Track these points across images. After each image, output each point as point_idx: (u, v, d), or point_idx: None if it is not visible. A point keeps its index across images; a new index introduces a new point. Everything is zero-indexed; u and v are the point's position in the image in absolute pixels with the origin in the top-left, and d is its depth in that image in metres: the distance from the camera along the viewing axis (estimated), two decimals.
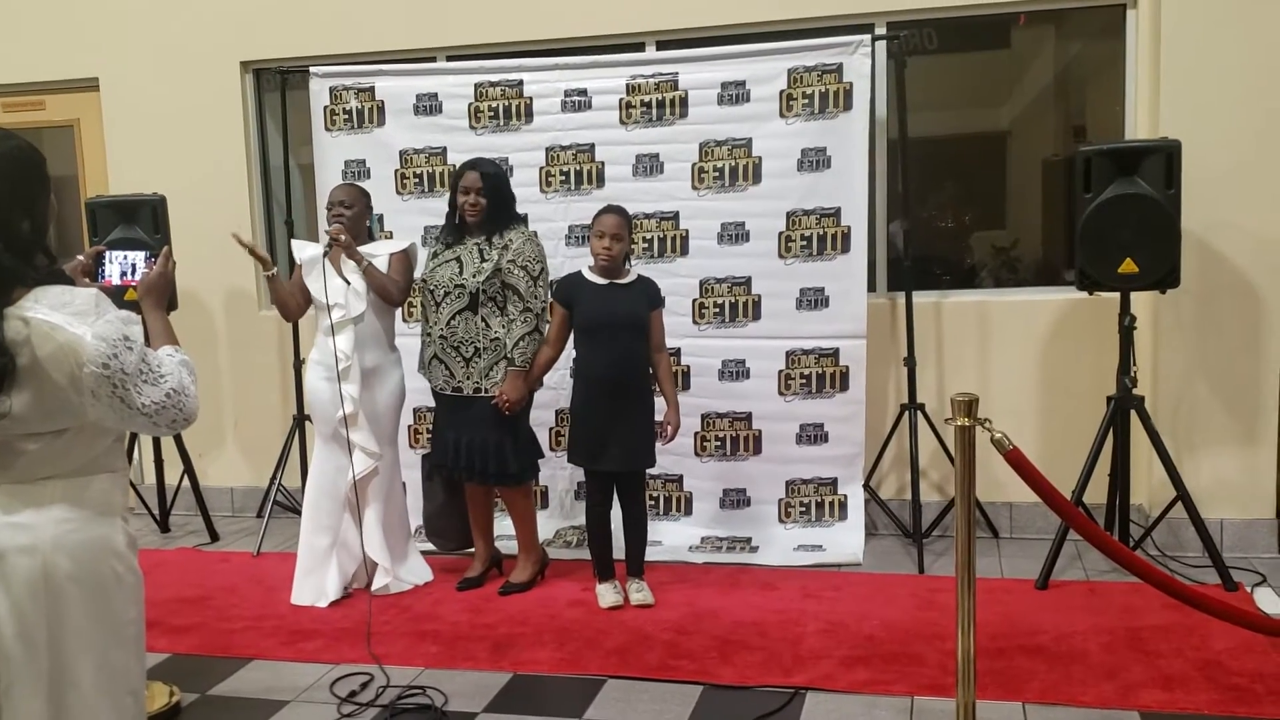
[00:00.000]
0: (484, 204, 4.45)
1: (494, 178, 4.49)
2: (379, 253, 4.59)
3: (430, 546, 4.93)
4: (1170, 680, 3.56)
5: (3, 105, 6.19)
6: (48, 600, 2.05)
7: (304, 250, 4.66)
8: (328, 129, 5.48)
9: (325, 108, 5.47)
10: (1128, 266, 4.36)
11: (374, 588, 4.62)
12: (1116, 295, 4.52)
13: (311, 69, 5.48)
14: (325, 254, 4.51)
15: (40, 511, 2.06)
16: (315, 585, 4.58)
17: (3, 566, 2.03)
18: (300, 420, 5.61)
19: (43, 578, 2.04)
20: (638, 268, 4.66)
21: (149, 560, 5.17)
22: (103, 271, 2.42)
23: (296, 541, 4.71)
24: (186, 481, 5.71)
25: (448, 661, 3.96)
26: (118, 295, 2.19)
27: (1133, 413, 4.52)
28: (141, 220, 5.35)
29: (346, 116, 5.45)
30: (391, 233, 5.34)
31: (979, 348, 5.23)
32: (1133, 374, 4.49)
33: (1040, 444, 5.08)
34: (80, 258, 2.44)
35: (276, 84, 5.67)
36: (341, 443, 4.53)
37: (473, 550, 4.82)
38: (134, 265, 2.40)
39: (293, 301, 4.68)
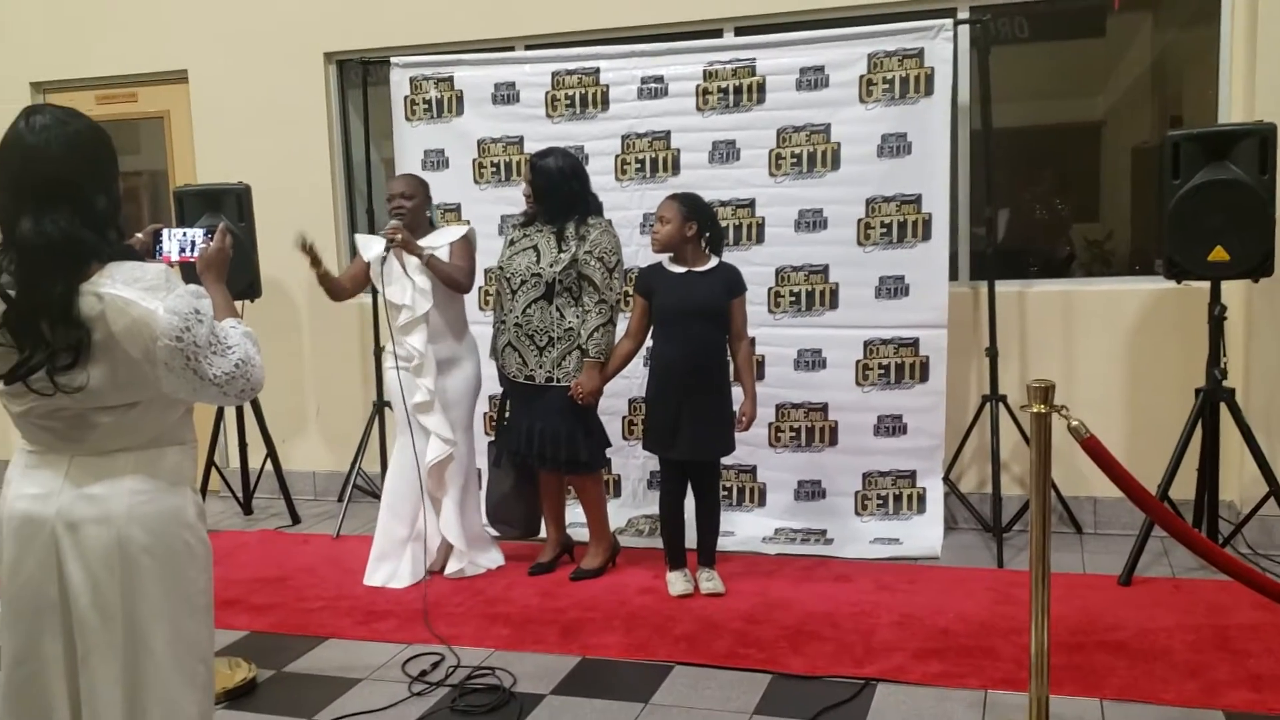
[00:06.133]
0: (532, 197, 4.51)
1: (544, 172, 4.47)
2: (439, 243, 4.60)
3: (494, 532, 4.96)
4: (1259, 680, 3.43)
5: (97, 97, 6.37)
6: (122, 571, 2.09)
7: (369, 247, 4.67)
8: (408, 119, 5.55)
9: (405, 98, 5.53)
10: (1218, 254, 4.21)
11: (448, 571, 4.69)
12: (1206, 284, 4.37)
13: (392, 59, 5.54)
14: (384, 257, 4.51)
15: (113, 483, 2.10)
16: (389, 569, 4.66)
17: (78, 537, 2.08)
18: (380, 407, 5.69)
19: (117, 548, 2.09)
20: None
21: (232, 541, 5.32)
22: (160, 249, 2.46)
23: (375, 525, 4.78)
24: (270, 466, 5.83)
25: (517, 644, 3.98)
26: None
27: (1223, 406, 4.37)
28: (227, 209, 5.47)
29: (426, 106, 5.51)
30: (469, 220, 5.38)
31: (1063, 338, 5.10)
32: (1223, 365, 4.34)
33: (1127, 438, 4.93)
34: (139, 236, 2.48)
35: (359, 79, 5.75)
36: (419, 430, 4.59)
37: (537, 537, 4.84)
38: (193, 242, 2.43)
39: (339, 287, 4.69)
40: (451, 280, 4.53)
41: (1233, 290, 4.58)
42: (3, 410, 2.15)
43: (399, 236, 4.47)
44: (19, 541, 2.12)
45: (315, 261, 4.47)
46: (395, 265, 4.56)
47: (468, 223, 5.37)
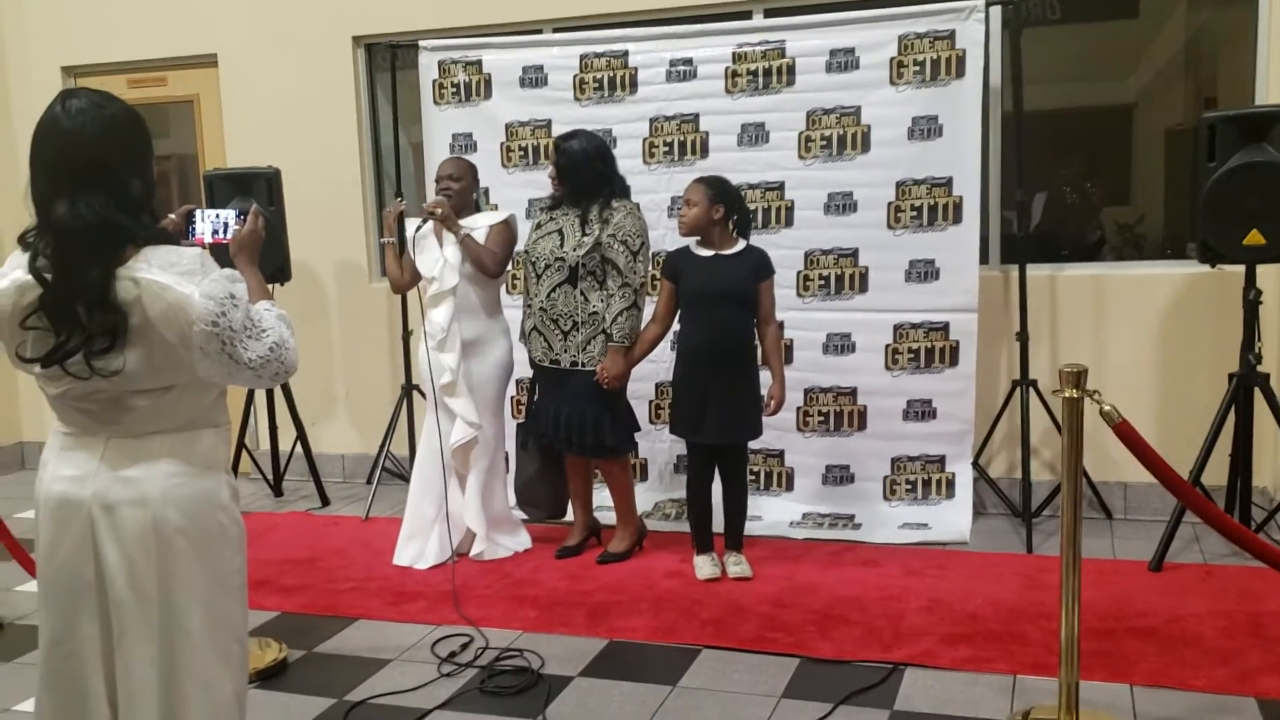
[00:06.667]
0: (556, 179, 4.51)
1: (568, 153, 4.47)
2: (480, 225, 4.64)
3: (523, 515, 4.97)
4: None
5: (128, 81, 6.40)
6: (158, 552, 2.11)
7: (412, 226, 4.73)
8: (436, 103, 5.55)
9: (434, 81, 5.53)
10: (1254, 238, 4.16)
11: (471, 553, 4.72)
12: (1241, 268, 4.33)
13: (420, 43, 5.54)
14: (419, 228, 4.57)
15: (149, 466, 2.12)
16: (417, 548, 4.69)
17: (114, 519, 2.10)
18: (408, 390, 5.72)
19: (152, 530, 2.10)
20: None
21: (263, 523, 5.37)
22: (193, 230, 2.47)
23: (404, 507, 4.82)
24: (299, 448, 5.87)
25: (545, 626, 4.00)
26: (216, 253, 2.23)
27: (1256, 391, 4.33)
28: (257, 192, 5.49)
29: (454, 90, 5.51)
30: (497, 205, 5.39)
31: (1095, 323, 5.06)
32: (1257, 350, 4.29)
33: (1158, 423, 4.90)
34: (172, 216, 2.49)
35: (387, 63, 5.76)
36: (445, 411, 4.61)
37: (564, 520, 4.86)
38: (226, 224, 2.44)
39: (398, 274, 4.78)
40: (480, 262, 4.54)
41: (1268, 274, 4.52)
42: (38, 392, 2.17)
43: (440, 211, 4.50)
44: (56, 523, 2.15)
45: (388, 227, 4.68)
46: (432, 239, 4.58)
47: (495, 207, 5.37)
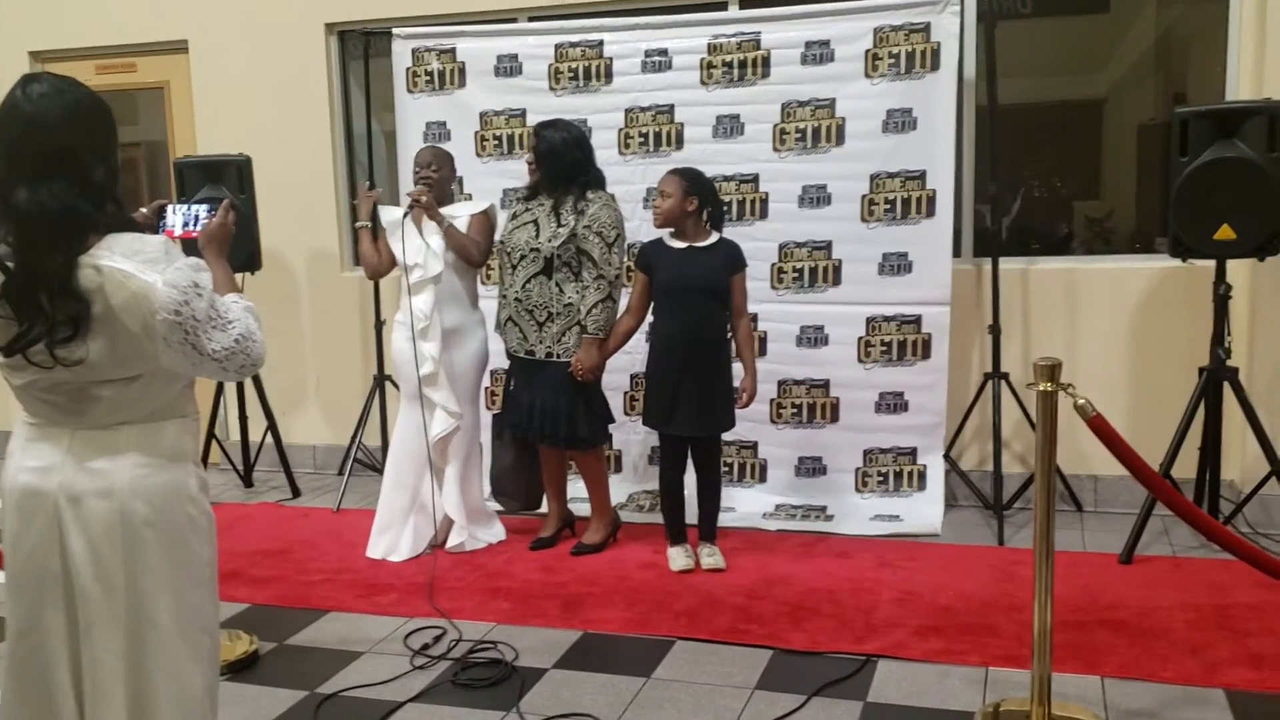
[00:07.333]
0: (534, 167, 4.49)
1: (547, 140, 4.45)
2: (460, 214, 4.62)
3: (497, 506, 4.95)
4: (1260, 659, 3.44)
5: (96, 67, 6.31)
6: (124, 543, 2.08)
7: (389, 214, 4.70)
8: (410, 90, 5.51)
9: (407, 69, 5.49)
10: (1224, 233, 4.19)
11: (449, 545, 4.69)
12: (1211, 263, 4.36)
13: (394, 30, 5.50)
14: (405, 215, 4.55)
15: (115, 457, 2.09)
16: (390, 541, 4.66)
17: (80, 510, 2.07)
18: (381, 380, 5.69)
19: (119, 521, 2.07)
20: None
21: (233, 514, 5.32)
22: (164, 224, 2.44)
23: (376, 499, 4.79)
24: (270, 439, 5.82)
25: (519, 618, 3.99)
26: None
27: (1226, 385, 4.37)
28: (228, 180, 5.43)
29: (428, 78, 5.47)
30: (471, 195, 5.35)
31: (1067, 316, 5.09)
32: (1227, 344, 4.33)
33: (1129, 416, 4.93)
34: (143, 210, 2.46)
35: (360, 50, 5.70)
36: (424, 402, 4.59)
37: (539, 511, 4.85)
38: (196, 216, 2.42)
39: (374, 259, 4.74)
40: (464, 250, 4.53)
41: (1237, 269, 4.56)
42: (3, 383, 2.14)
43: (423, 199, 4.48)
44: (22, 514, 2.11)
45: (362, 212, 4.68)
46: (413, 227, 4.57)
47: (469, 197, 5.34)
